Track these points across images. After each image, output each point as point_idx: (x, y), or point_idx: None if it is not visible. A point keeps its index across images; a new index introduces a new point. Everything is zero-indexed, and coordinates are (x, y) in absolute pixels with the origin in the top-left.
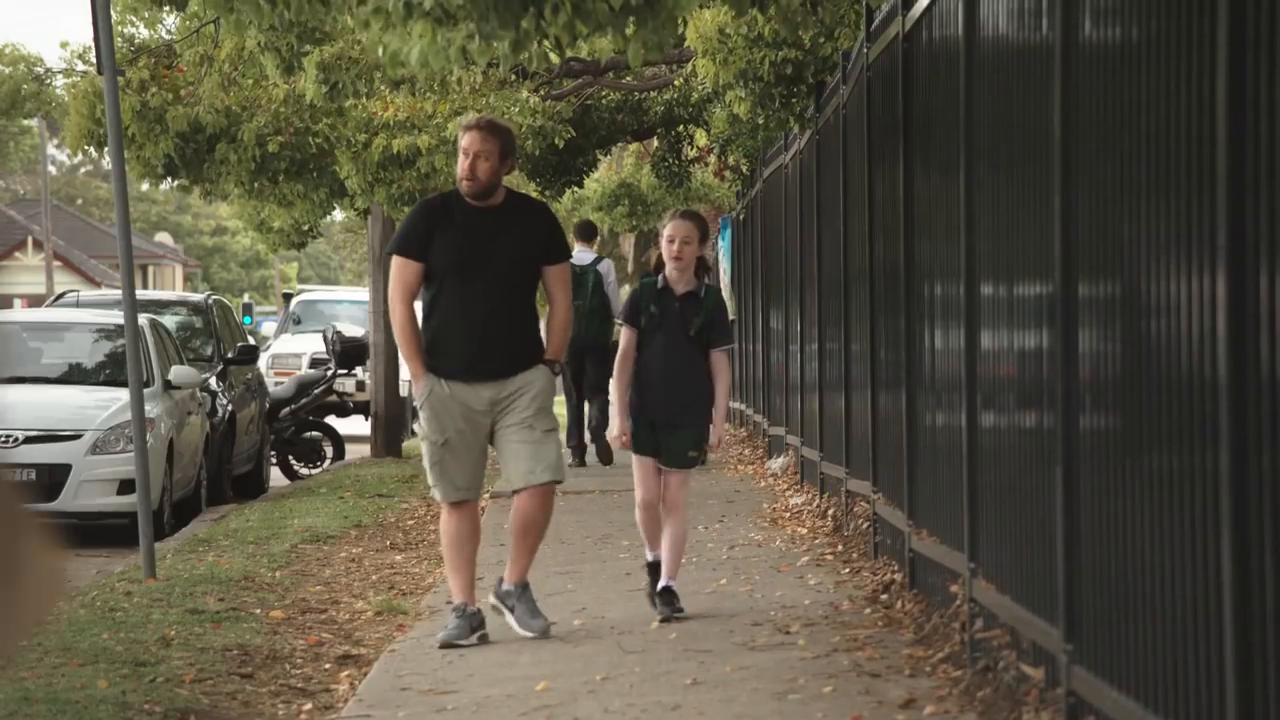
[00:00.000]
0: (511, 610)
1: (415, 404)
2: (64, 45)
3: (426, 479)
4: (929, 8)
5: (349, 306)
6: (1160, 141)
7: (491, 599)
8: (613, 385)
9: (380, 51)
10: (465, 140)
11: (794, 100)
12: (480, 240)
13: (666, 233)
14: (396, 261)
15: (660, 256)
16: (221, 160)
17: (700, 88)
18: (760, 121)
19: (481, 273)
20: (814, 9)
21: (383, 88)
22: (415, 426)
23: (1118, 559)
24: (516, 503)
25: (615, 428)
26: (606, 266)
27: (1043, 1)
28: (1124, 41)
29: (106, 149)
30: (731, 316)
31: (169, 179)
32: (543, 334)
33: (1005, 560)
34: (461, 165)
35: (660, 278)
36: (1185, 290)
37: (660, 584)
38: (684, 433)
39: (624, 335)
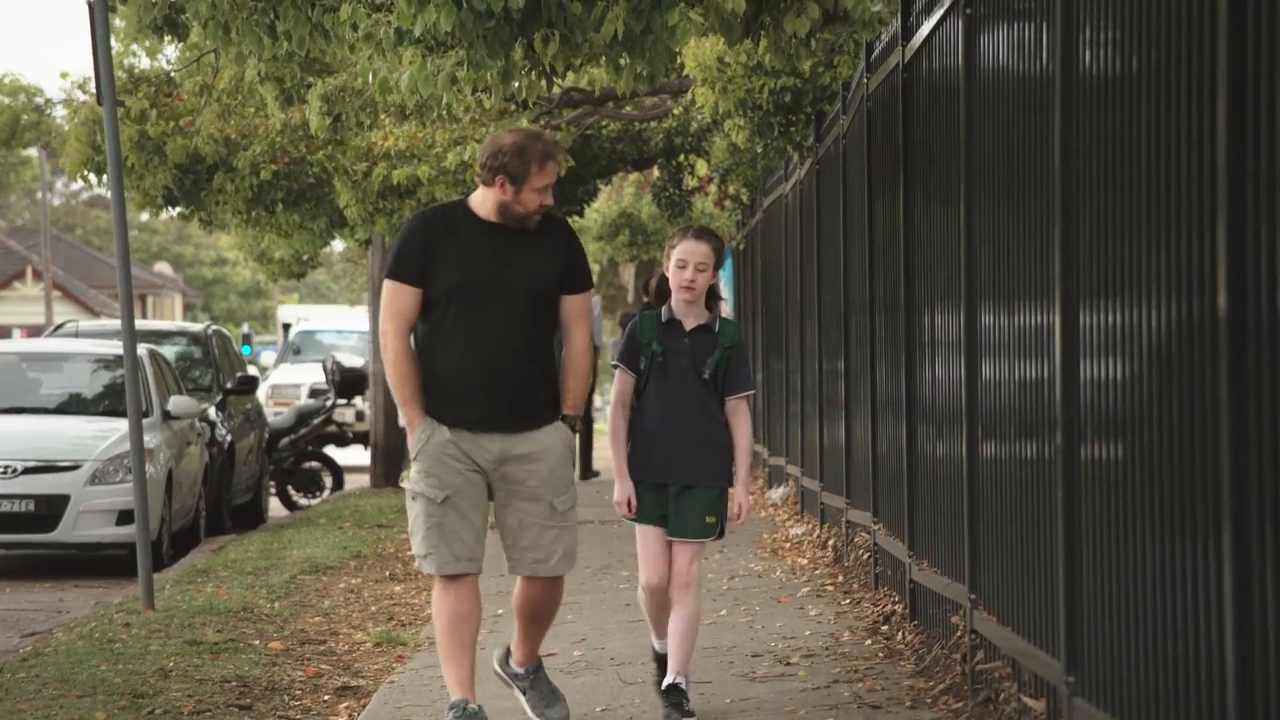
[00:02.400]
0: (523, 692)
1: (410, 454)
2: (64, 75)
3: (415, 547)
4: (929, 38)
5: (348, 336)
6: (1161, 171)
7: (496, 666)
8: (609, 441)
9: (370, 78)
10: (548, 175)
11: (793, 129)
12: (489, 262)
13: (677, 255)
14: (389, 287)
15: (658, 281)
16: (219, 189)
17: (699, 117)
18: (759, 150)
19: (490, 301)
20: (807, 40)
21: (385, 118)
22: (403, 481)
23: (1119, 590)
24: (522, 587)
25: (617, 491)
26: (594, 301)
27: (1043, 31)
28: (1124, 71)
29: (105, 177)
30: None
31: (168, 209)
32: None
33: (1006, 592)
34: (537, 200)
35: (665, 309)
36: (1186, 320)
37: (666, 680)
38: (697, 495)
39: (619, 380)
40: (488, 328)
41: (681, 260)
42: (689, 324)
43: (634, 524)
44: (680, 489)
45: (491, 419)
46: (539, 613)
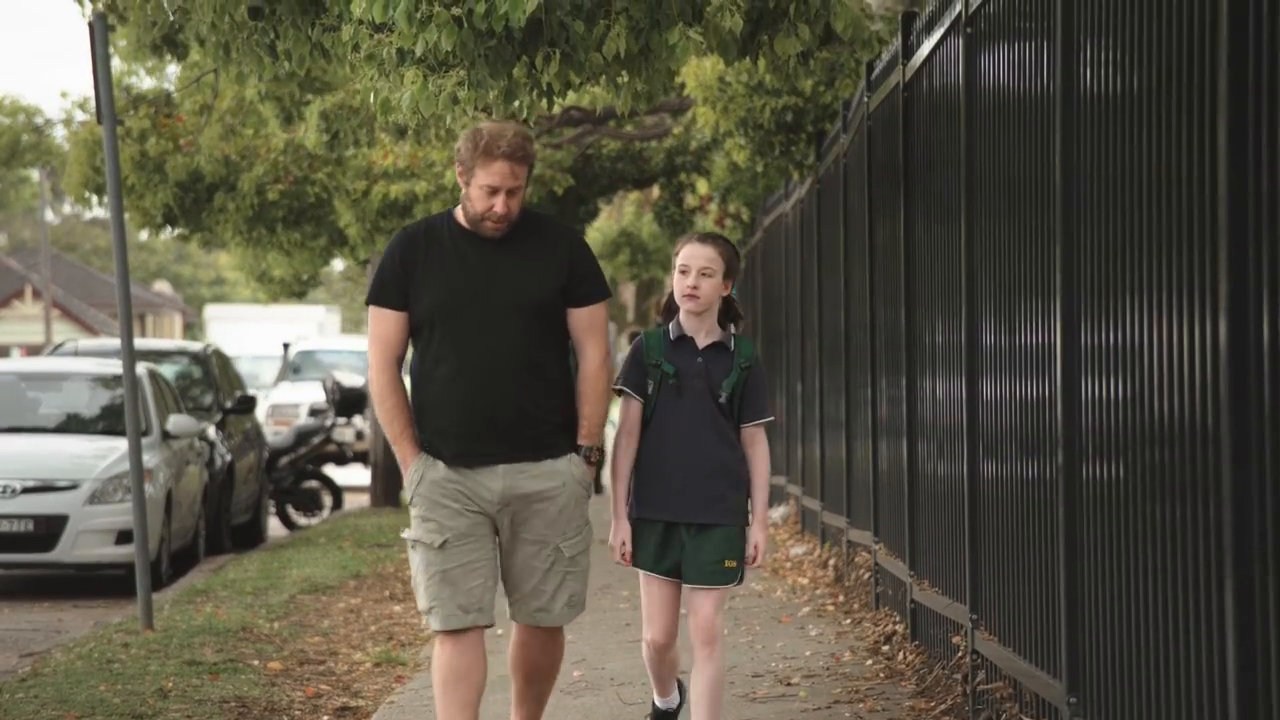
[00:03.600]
0: None
1: (404, 496)
2: (64, 95)
3: (418, 601)
4: (929, 57)
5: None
6: (1162, 190)
7: None
8: (608, 474)
9: (372, 98)
10: (492, 176)
11: (794, 148)
12: (474, 276)
13: (679, 261)
14: (371, 314)
15: (667, 300)
16: (220, 209)
17: (699, 136)
18: (760, 170)
19: (479, 320)
20: (804, 60)
21: (383, 136)
22: (405, 532)
23: (1121, 611)
24: (519, 637)
25: (612, 533)
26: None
27: (1043, 50)
28: (1125, 90)
29: (104, 197)
30: None
31: (168, 228)
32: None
33: (1008, 612)
34: (485, 202)
35: (674, 325)
36: (1187, 340)
37: None
38: (715, 536)
39: (624, 407)
40: (478, 350)
41: (684, 265)
42: (701, 341)
43: (637, 569)
44: (695, 529)
45: (487, 452)
46: (536, 671)
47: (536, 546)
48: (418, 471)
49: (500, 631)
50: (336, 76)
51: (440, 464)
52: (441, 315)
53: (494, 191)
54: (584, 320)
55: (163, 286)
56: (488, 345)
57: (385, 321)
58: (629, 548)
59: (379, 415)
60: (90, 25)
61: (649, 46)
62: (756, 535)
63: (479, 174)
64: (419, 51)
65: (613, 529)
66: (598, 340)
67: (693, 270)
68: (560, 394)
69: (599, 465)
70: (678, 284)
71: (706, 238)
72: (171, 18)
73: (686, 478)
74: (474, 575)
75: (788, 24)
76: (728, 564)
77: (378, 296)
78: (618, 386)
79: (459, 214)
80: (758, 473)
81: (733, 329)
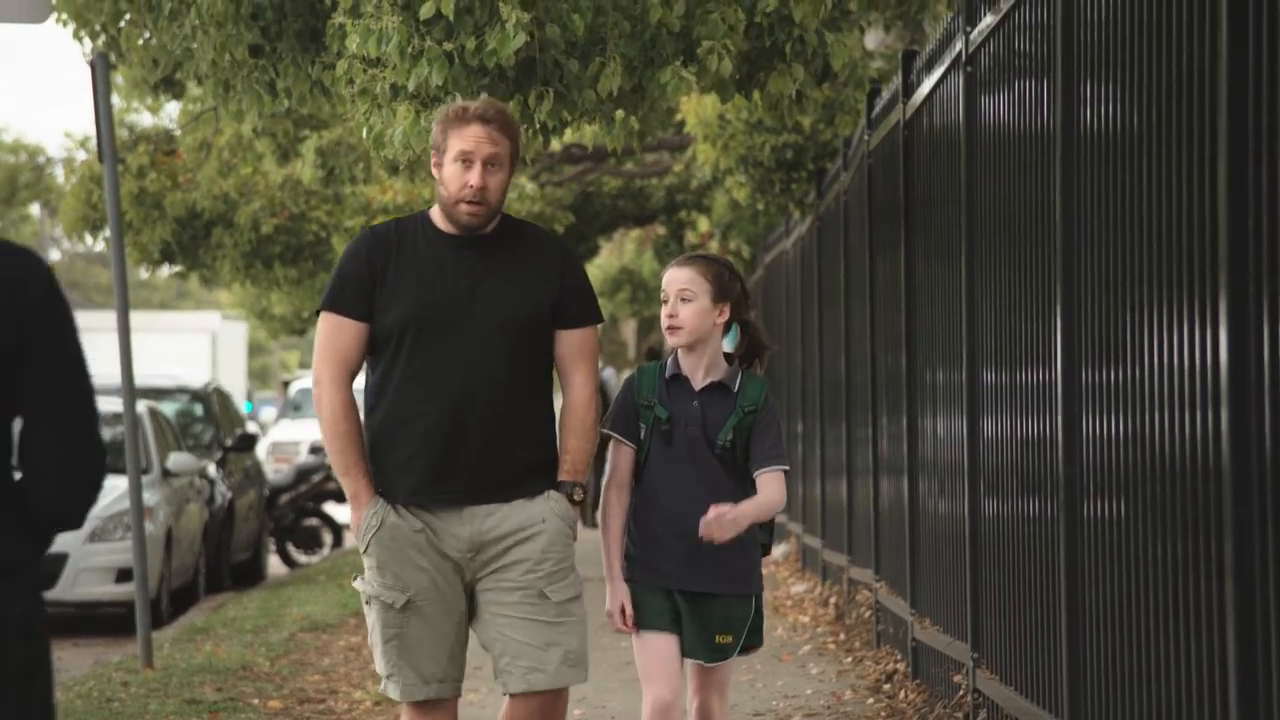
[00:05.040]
0: None
1: (358, 544)
2: (68, 135)
3: (376, 664)
4: (930, 95)
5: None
6: (1163, 228)
7: None
8: (600, 530)
9: (364, 133)
10: (465, 139)
11: (794, 185)
12: (451, 285)
13: (661, 288)
14: (323, 321)
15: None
16: (217, 245)
17: (700, 173)
18: (760, 207)
19: (461, 337)
20: (799, 99)
21: (381, 173)
22: (357, 582)
23: (1122, 648)
24: (511, 712)
25: (608, 598)
26: (609, 374)
27: (1043, 89)
28: (1125, 128)
29: (101, 234)
30: None
31: (165, 264)
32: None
33: (1009, 650)
34: (459, 178)
35: (669, 361)
36: (1188, 376)
37: None
38: (717, 606)
39: (614, 454)
40: (451, 373)
41: (664, 293)
42: (699, 380)
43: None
44: (694, 598)
45: (449, 490)
46: None
47: (518, 595)
48: (375, 515)
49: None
50: (332, 113)
51: (401, 509)
52: (413, 331)
53: (468, 162)
54: (573, 344)
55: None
56: (462, 368)
57: (343, 332)
58: (630, 611)
59: (329, 443)
60: (91, 64)
61: (642, 85)
62: (728, 509)
63: (451, 143)
64: (411, 87)
65: (608, 593)
66: (587, 368)
67: (671, 296)
68: (541, 429)
69: (583, 504)
70: (661, 315)
71: (688, 258)
72: (175, 52)
73: (680, 538)
74: (437, 641)
75: (783, 63)
76: (719, 639)
77: (335, 301)
78: (606, 430)
79: (434, 214)
80: (762, 495)
81: (739, 364)
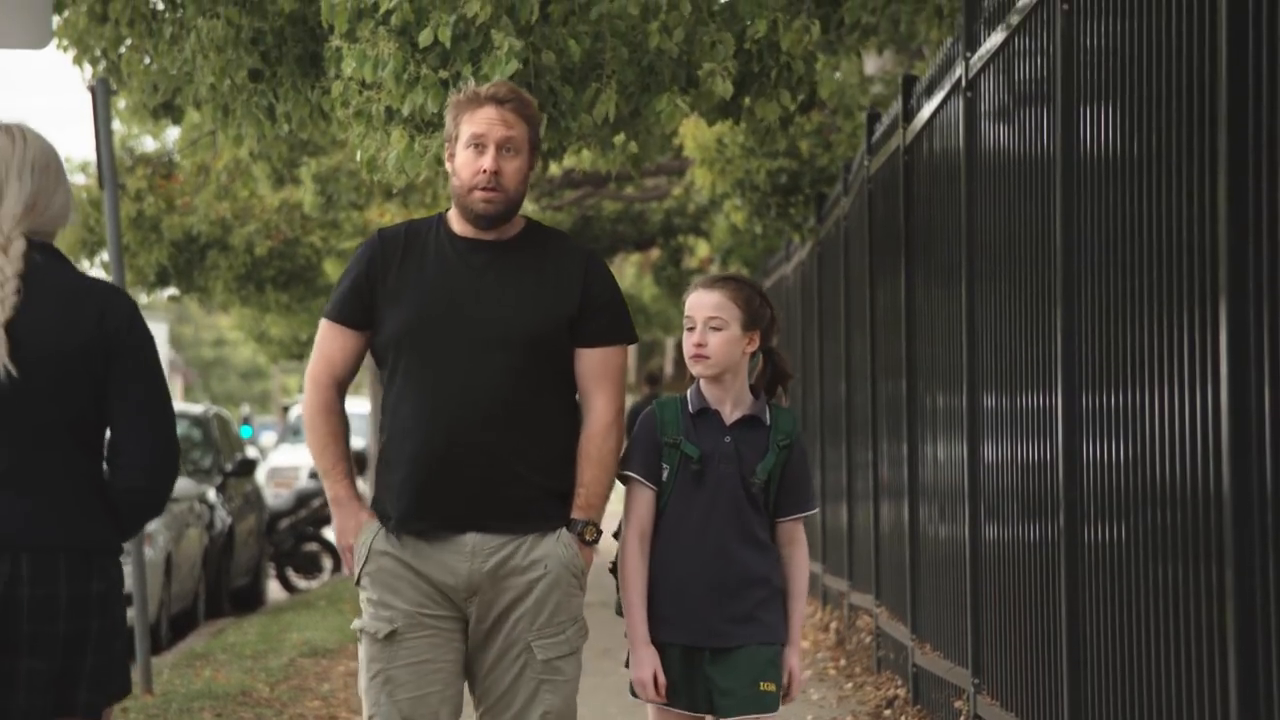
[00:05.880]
0: None
1: (352, 575)
2: (68, 159)
3: (362, 703)
4: (930, 120)
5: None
6: (1163, 253)
7: None
8: (622, 587)
9: (358, 156)
10: (477, 123)
11: (793, 209)
12: (457, 289)
13: (686, 312)
14: (321, 328)
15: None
16: (213, 266)
17: (697, 197)
18: (758, 230)
19: (455, 346)
20: (785, 125)
21: (381, 201)
22: (355, 622)
23: (1123, 673)
24: None
25: (635, 664)
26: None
27: (1043, 114)
28: (1125, 153)
29: (98, 257)
30: None
31: (161, 287)
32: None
33: (1010, 676)
34: (472, 164)
35: (692, 393)
36: (1189, 401)
37: None
38: (743, 658)
39: (634, 499)
40: (450, 386)
41: (689, 319)
42: (729, 414)
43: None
44: (721, 654)
45: (448, 515)
46: None
47: (505, 645)
48: (365, 541)
49: None
50: (329, 139)
51: (393, 535)
52: (408, 341)
53: (481, 146)
54: (595, 365)
55: (162, 348)
56: (463, 380)
57: (335, 339)
58: (663, 679)
59: (309, 442)
60: (92, 90)
61: (639, 110)
62: (790, 660)
63: (463, 129)
64: (406, 111)
65: (633, 658)
66: (611, 392)
67: (699, 323)
68: (556, 454)
69: (595, 543)
70: (686, 343)
71: (716, 281)
72: (175, 75)
73: (710, 588)
74: (426, 679)
75: (770, 89)
76: (764, 687)
77: (332, 306)
78: (624, 472)
79: (452, 216)
80: (795, 580)
81: (767, 394)
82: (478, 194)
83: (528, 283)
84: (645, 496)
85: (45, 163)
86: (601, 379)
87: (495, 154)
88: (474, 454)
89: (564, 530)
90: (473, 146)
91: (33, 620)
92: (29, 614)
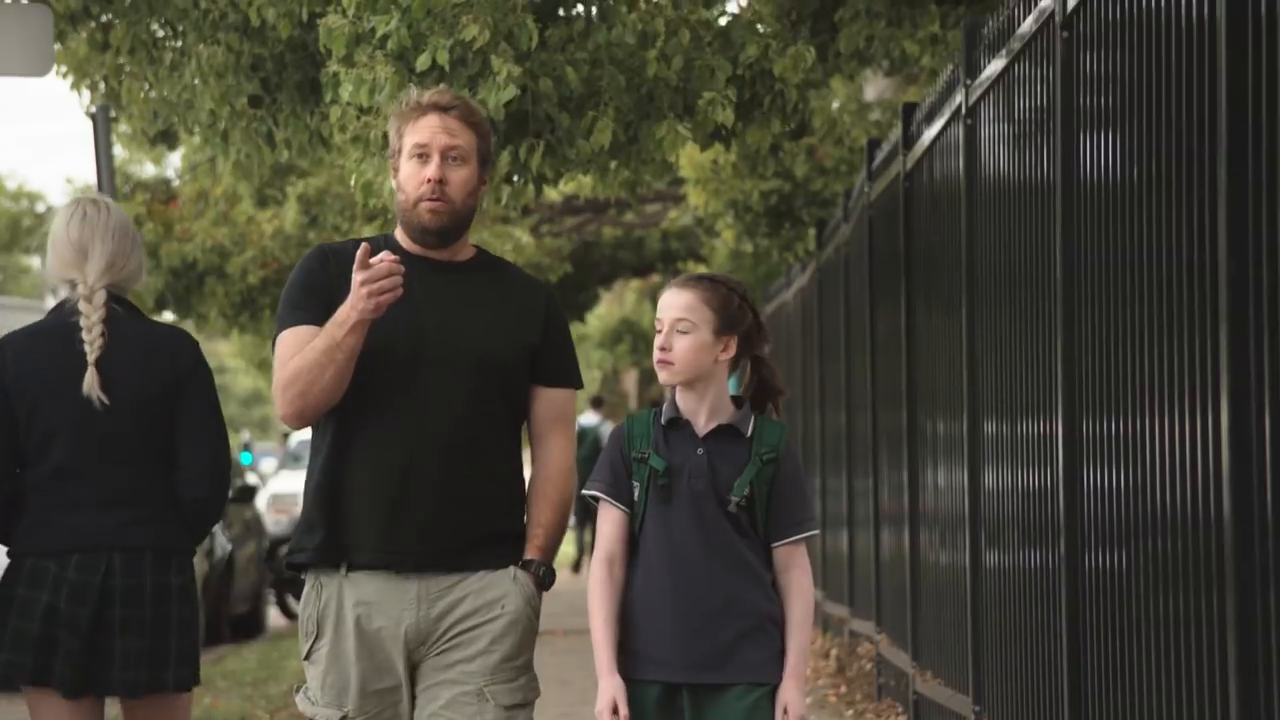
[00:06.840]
0: None
1: (300, 649)
2: (69, 181)
3: None
4: (930, 147)
5: None
6: (1163, 279)
7: None
8: (590, 613)
9: (353, 180)
10: (421, 131)
11: (784, 231)
12: (428, 313)
13: (657, 313)
14: (284, 341)
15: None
16: (210, 293)
17: (684, 218)
18: (749, 250)
19: (422, 372)
20: (775, 151)
21: (364, 224)
22: (298, 697)
23: (1124, 701)
24: None
25: (600, 696)
26: (609, 429)
27: (1043, 141)
28: (1125, 180)
29: None
30: None
31: (159, 313)
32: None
33: (1010, 703)
34: (416, 175)
35: (666, 404)
36: (1190, 428)
37: None
38: (730, 700)
39: (604, 520)
40: (404, 416)
41: (657, 320)
42: (702, 424)
43: None
44: (703, 692)
45: (397, 551)
46: None
47: (456, 690)
48: (310, 618)
49: None
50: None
51: (343, 589)
52: (369, 358)
53: (425, 156)
54: (554, 405)
55: None
56: (420, 410)
57: (299, 340)
58: (625, 711)
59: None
60: (92, 117)
61: (636, 137)
62: (787, 694)
63: (407, 139)
64: None
65: (600, 690)
66: (567, 434)
67: (665, 324)
68: (510, 491)
69: (549, 586)
70: (655, 346)
71: (690, 280)
72: (174, 102)
73: (683, 618)
74: None
75: (762, 115)
76: None
77: (290, 316)
78: (590, 492)
79: (400, 235)
80: (794, 608)
81: (749, 407)
82: (424, 205)
83: (489, 308)
84: (612, 516)
85: (124, 230)
86: (559, 421)
87: (439, 162)
88: (426, 488)
89: (519, 570)
90: (416, 157)
91: (124, 606)
92: (120, 601)
